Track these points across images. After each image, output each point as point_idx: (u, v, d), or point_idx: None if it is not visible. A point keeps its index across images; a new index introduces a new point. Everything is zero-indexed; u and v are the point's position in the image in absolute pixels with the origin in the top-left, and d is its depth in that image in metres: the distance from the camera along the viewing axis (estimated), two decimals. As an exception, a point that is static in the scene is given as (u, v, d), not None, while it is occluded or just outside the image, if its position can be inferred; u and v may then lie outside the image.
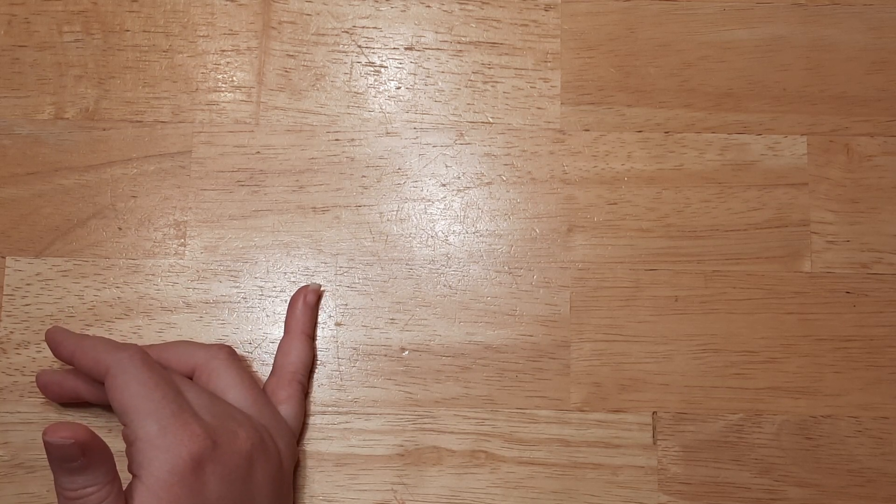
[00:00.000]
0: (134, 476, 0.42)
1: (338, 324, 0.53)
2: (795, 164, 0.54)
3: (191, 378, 0.47)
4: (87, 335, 0.47)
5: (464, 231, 0.54)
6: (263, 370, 0.52)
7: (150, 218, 0.54)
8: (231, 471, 0.42)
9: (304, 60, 0.55)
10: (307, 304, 0.51)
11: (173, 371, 0.46)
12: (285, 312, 0.52)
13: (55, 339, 0.47)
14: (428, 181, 0.54)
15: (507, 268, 0.53)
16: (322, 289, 0.52)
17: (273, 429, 0.46)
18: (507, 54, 0.55)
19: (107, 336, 0.52)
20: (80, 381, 0.48)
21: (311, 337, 0.51)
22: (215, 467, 0.42)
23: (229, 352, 0.48)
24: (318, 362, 0.52)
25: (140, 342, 0.52)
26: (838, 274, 0.53)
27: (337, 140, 0.54)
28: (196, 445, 0.41)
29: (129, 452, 0.42)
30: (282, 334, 0.52)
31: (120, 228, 0.53)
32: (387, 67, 0.55)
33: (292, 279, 0.53)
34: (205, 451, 0.42)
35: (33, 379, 0.51)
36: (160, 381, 0.43)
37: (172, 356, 0.48)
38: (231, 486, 0.42)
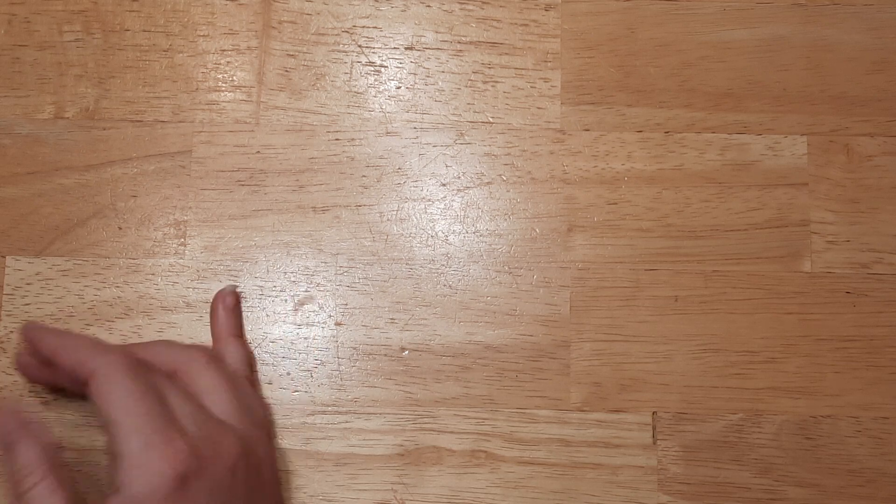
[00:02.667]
0: (116, 492, 0.40)
1: (338, 323, 0.53)
2: (795, 164, 0.54)
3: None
4: (68, 332, 0.46)
5: (464, 231, 0.54)
6: (263, 370, 0.52)
7: (150, 217, 0.54)
8: (216, 484, 0.42)
9: (305, 60, 0.55)
10: (227, 308, 0.51)
11: (157, 371, 0.45)
12: (285, 312, 0.52)
13: (34, 337, 0.46)
14: (428, 181, 0.54)
15: (507, 268, 0.53)
16: (238, 289, 0.52)
17: (252, 435, 0.46)
18: (507, 54, 0.55)
19: (107, 336, 0.52)
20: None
21: (240, 336, 0.51)
22: (200, 483, 0.41)
23: (209, 355, 0.47)
24: (319, 362, 0.52)
25: (141, 342, 0.52)
26: (838, 274, 0.53)
27: (337, 140, 0.54)
28: (180, 463, 0.40)
29: (113, 467, 0.41)
30: (281, 334, 0.52)
31: (120, 228, 0.53)
32: (387, 67, 0.55)
33: (292, 279, 0.53)
34: (189, 469, 0.41)
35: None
36: (145, 392, 0.42)
37: (154, 357, 0.46)
38: (217, 500, 0.42)
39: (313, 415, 0.51)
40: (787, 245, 0.53)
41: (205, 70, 0.55)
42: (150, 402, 0.42)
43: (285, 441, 0.51)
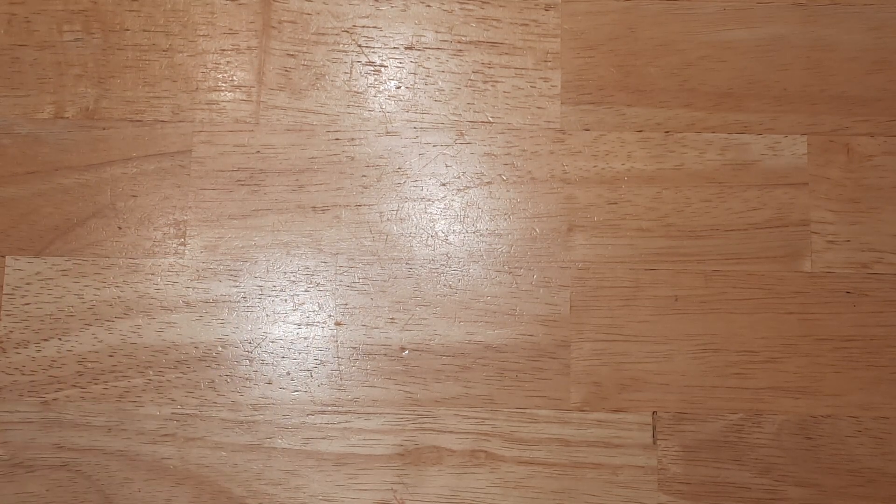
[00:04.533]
0: None
1: (338, 323, 0.53)
2: (795, 164, 0.54)
3: None
4: None
5: (464, 231, 0.54)
6: (263, 370, 0.52)
7: (149, 217, 0.54)
8: None
9: (305, 60, 0.55)
10: None
11: None
12: (285, 312, 0.52)
13: None
14: (428, 181, 0.54)
15: (507, 267, 0.53)
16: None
17: None
18: (507, 54, 0.55)
19: (107, 335, 0.52)
20: None
21: None
22: None
23: None
24: (318, 362, 0.52)
25: (140, 341, 0.52)
26: (838, 274, 0.53)
27: (337, 139, 0.54)
28: None
29: None
30: (281, 334, 0.52)
31: (120, 228, 0.53)
32: (387, 67, 0.55)
33: (292, 278, 0.53)
34: None
35: (33, 378, 0.51)
36: None
37: None
38: None
39: (313, 415, 0.51)
40: (788, 245, 0.53)
41: (204, 70, 0.55)
42: None
43: (285, 441, 0.51)
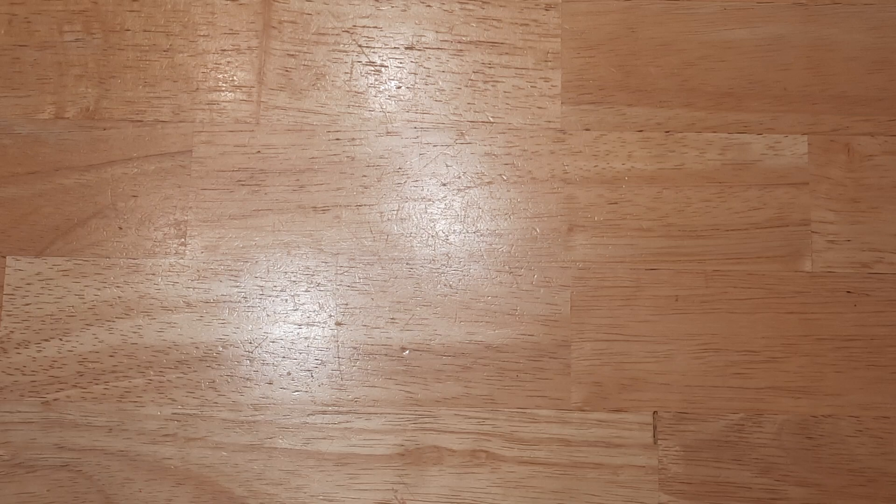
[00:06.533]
0: None
1: (338, 323, 0.53)
2: (796, 164, 0.54)
3: None
4: None
5: (464, 230, 0.54)
6: (263, 370, 0.52)
7: (150, 217, 0.54)
8: None
9: (305, 60, 0.55)
10: None
11: None
12: (286, 312, 0.52)
13: None
14: (428, 181, 0.54)
15: (507, 267, 0.53)
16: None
17: None
18: (507, 54, 0.55)
19: (108, 335, 0.52)
20: None
21: None
22: None
23: None
24: (319, 362, 0.52)
25: (141, 341, 0.52)
26: (839, 273, 0.53)
27: (337, 139, 0.54)
28: None
29: None
30: (282, 334, 0.52)
31: (120, 228, 0.53)
32: (387, 67, 0.55)
33: (293, 278, 0.53)
34: None
35: (34, 378, 0.51)
36: None
37: None
38: None
39: (314, 415, 0.51)
40: (788, 244, 0.53)
41: (205, 70, 0.55)
42: None
43: (285, 441, 0.51)
